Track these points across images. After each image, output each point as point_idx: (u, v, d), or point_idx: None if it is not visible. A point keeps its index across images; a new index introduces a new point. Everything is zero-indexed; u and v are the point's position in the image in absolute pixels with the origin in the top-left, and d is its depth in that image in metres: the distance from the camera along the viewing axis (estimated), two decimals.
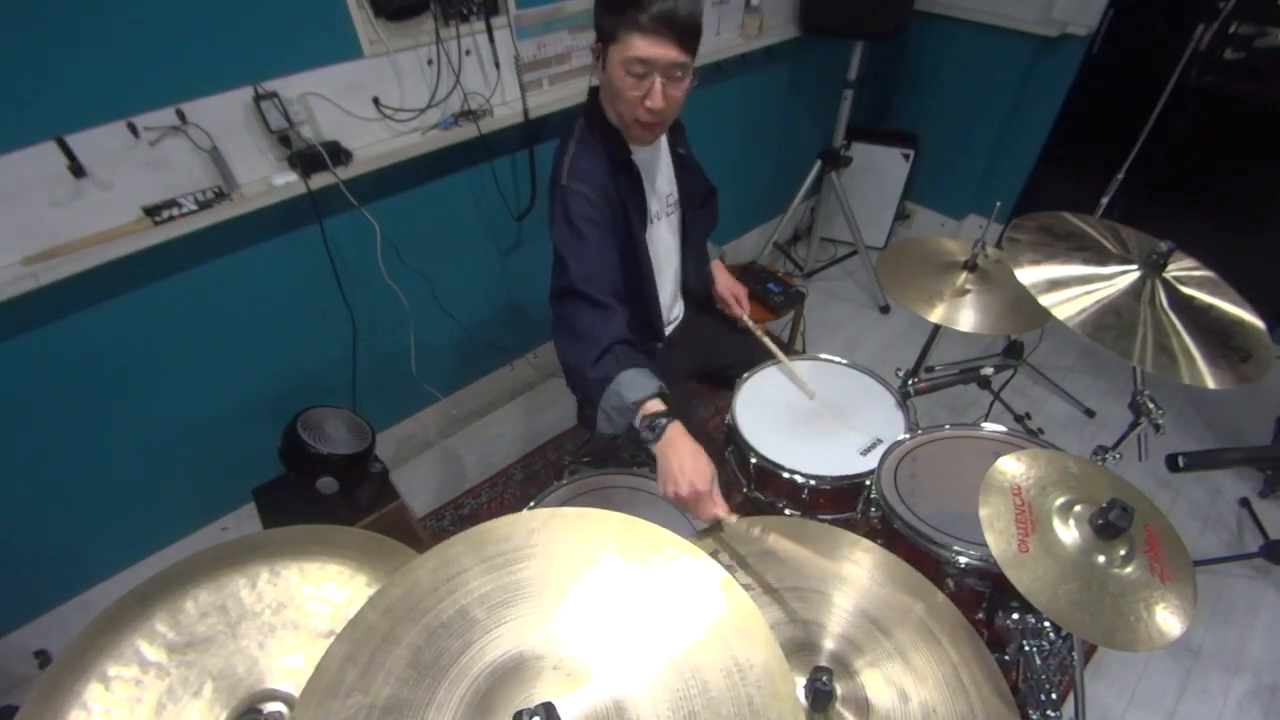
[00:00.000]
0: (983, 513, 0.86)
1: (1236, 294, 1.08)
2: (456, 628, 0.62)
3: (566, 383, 1.26)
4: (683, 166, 1.41)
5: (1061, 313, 1.01)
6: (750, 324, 1.57)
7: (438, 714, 0.57)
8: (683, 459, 0.96)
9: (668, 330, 1.56)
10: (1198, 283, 1.09)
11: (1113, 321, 1.01)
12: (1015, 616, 1.03)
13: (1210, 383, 0.94)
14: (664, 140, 1.36)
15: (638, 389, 1.02)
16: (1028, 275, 1.06)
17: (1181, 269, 1.10)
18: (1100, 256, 1.11)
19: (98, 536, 1.66)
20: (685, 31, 1.07)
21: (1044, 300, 1.03)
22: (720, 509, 0.94)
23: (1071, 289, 1.05)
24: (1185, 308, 1.04)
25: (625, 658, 0.60)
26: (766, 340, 1.51)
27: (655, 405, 1.02)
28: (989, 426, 1.27)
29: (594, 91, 1.27)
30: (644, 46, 1.06)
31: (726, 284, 1.61)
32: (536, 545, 0.68)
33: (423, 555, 0.67)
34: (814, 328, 2.57)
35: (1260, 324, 1.03)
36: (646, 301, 1.39)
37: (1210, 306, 1.06)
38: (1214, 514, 1.99)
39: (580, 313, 1.11)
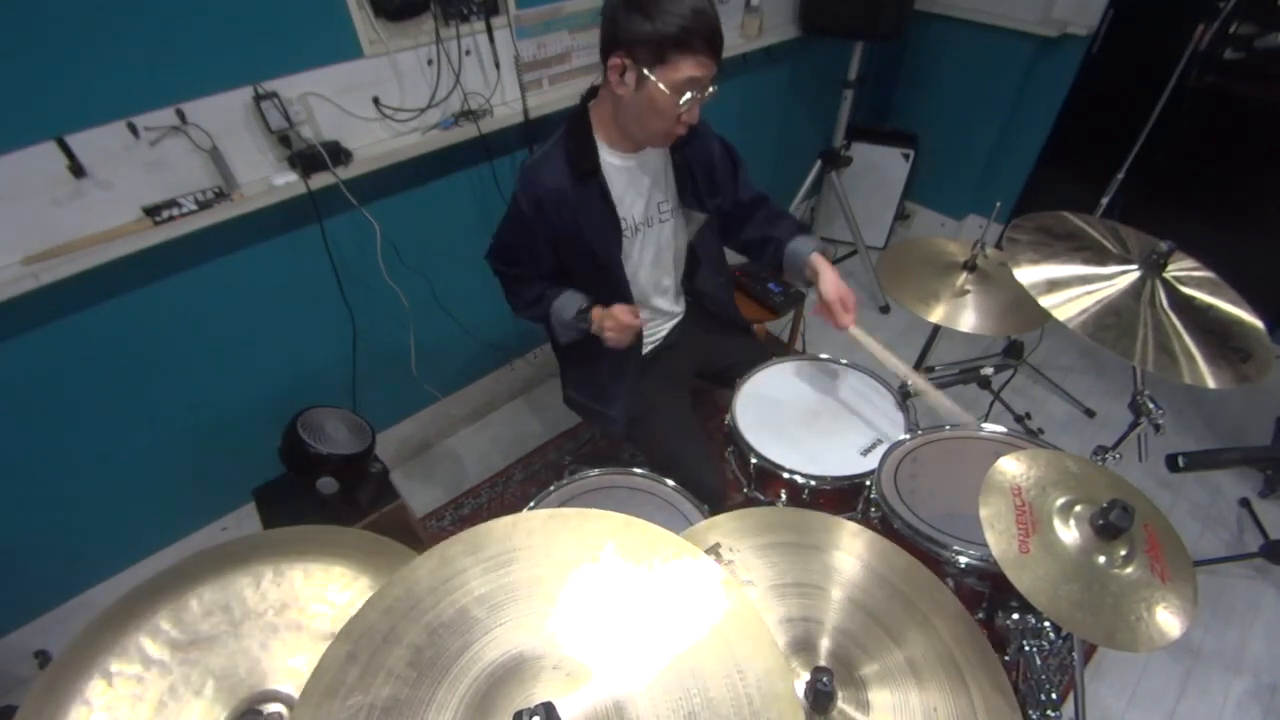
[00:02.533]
0: (983, 513, 0.86)
1: (1236, 294, 1.08)
2: (456, 627, 0.62)
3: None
4: (682, 173, 1.35)
5: (1062, 313, 1.01)
6: (856, 333, 1.33)
7: (437, 714, 0.57)
8: (604, 322, 1.30)
9: (664, 332, 1.57)
10: (1197, 283, 1.09)
11: (1113, 322, 1.01)
12: (1015, 617, 1.03)
13: (1210, 382, 0.94)
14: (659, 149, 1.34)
15: (568, 309, 1.34)
16: (1027, 275, 1.07)
17: (1181, 269, 1.11)
18: (1100, 256, 1.11)
19: (98, 536, 1.66)
20: (721, 43, 1.11)
21: (1044, 301, 1.03)
22: (636, 318, 1.30)
23: (1071, 289, 1.05)
24: (1185, 308, 1.04)
25: (625, 658, 0.60)
26: (874, 345, 1.31)
27: (580, 308, 1.33)
28: (989, 426, 1.27)
29: (588, 97, 1.27)
30: (694, 67, 1.08)
31: (833, 287, 1.31)
32: (536, 545, 0.68)
33: (422, 555, 0.67)
34: (814, 328, 2.56)
35: (1260, 324, 1.03)
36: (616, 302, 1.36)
37: (1210, 306, 1.06)
38: (1214, 514, 1.99)
39: (500, 279, 1.44)
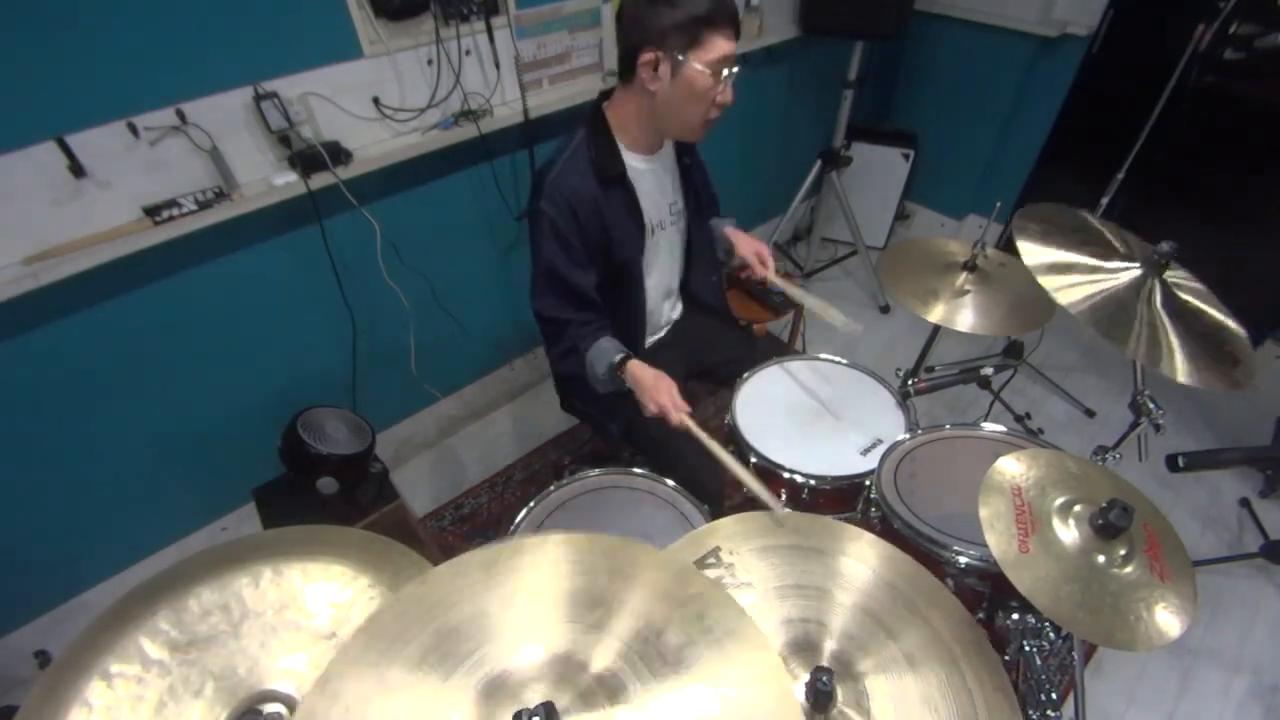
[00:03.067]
0: (983, 513, 0.86)
1: (1224, 307, 1.10)
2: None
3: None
4: (686, 176, 1.41)
5: (1064, 297, 1.02)
6: (776, 280, 1.46)
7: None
8: (644, 383, 1.21)
9: (661, 333, 1.57)
10: (1191, 292, 1.10)
11: (1114, 315, 1.01)
12: (1015, 617, 1.03)
13: (1183, 379, 0.96)
14: (670, 149, 1.36)
15: (601, 363, 1.25)
16: (1033, 255, 1.07)
17: (1178, 276, 1.12)
18: (1106, 251, 1.11)
19: (98, 537, 1.66)
20: (739, 18, 1.16)
21: (1045, 282, 1.03)
22: (680, 412, 1.18)
23: (1075, 276, 1.05)
24: (1179, 312, 1.05)
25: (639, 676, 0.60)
26: (794, 290, 1.46)
27: (613, 363, 1.24)
28: (989, 426, 1.27)
29: (601, 99, 1.27)
30: (724, 44, 1.11)
31: (748, 245, 1.50)
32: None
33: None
34: (814, 328, 2.56)
35: (1242, 332, 1.05)
36: (631, 310, 1.40)
37: (1201, 312, 1.07)
38: (1214, 514, 1.99)
39: (545, 329, 1.32)
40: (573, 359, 1.28)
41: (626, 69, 1.17)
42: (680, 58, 1.10)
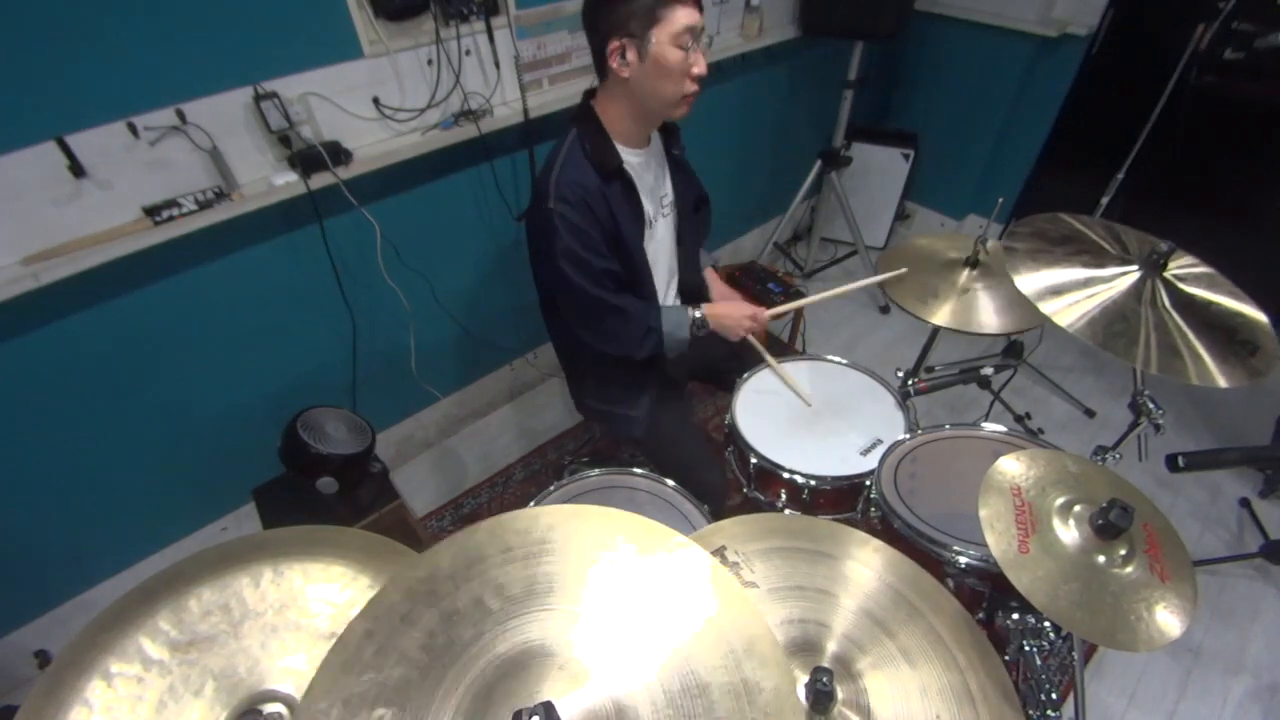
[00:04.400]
0: (983, 513, 0.86)
1: (1235, 288, 1.07)
2: (471, 616, 0.63)
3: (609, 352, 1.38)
4: (678, 168, 1.42)
5: (1063, 319, 1.00)
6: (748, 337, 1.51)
7: (443, 701, 0.57)
8: (729, 316, 1.40)
9: None
10: (1197, 280, 1.08)
11: (1117, 327, 0.99)
12: (1015, 616, 1.03)
13: (1220, 381, 0.93)
14: (658, 142, 1.37)
15: (681, 328, 1.36)
16: (1027, 283, 1.05)
17: (1181, 267, 1.10)
18: (1099, 259, 1.10)
19: (98, 536, 1.66)
20: None
21: (1045, 307, 1.02)
22: (763, 317, 1.43)
23: (1072, 294, 1.04)
24: (1188, 306, 1.03)
25: (633, 664, 0.60)
26: (762, 349, 1.49)
27: (693, 320, 1.38)
28: (989, 426, 1.27)
29: (588, 96, 1.28)
30: (686, 15, 1.12)
31: (722, 292, 1.61)
32: (556, 541, 0.68)
33: (444, 541, 0.68)
34: (814, 328, 2.57)
35: (1263, 317, 1.02)
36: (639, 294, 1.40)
37: (1211, 303, 1.05)
38: (1214, 514, 1.99)
39: (605, 325, 1.30)
40: (652, 339, 1.33)
41: (601, 67, 1.20)
42: (645, 38, 1.12)
